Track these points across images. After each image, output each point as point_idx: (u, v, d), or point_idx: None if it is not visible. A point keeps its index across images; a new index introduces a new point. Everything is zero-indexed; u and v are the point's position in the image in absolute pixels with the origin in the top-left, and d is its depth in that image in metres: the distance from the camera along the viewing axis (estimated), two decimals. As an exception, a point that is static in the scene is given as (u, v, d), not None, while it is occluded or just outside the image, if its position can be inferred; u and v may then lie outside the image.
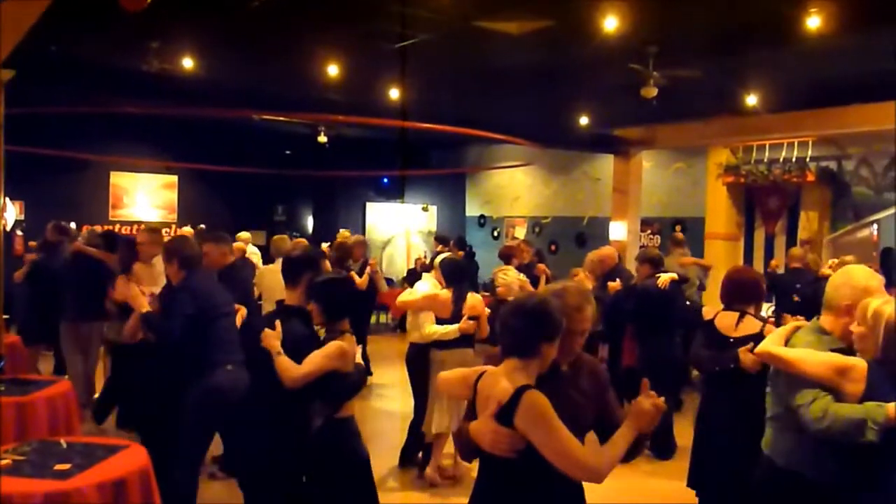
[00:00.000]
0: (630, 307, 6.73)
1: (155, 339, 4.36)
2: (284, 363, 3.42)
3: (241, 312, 4.83)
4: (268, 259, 6.93)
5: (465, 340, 5.43)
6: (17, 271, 7.97)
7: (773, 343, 2.92)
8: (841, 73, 7.78)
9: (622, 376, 6.79)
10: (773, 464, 2.92)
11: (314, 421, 3.56)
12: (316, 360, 3.46)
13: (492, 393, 2.39)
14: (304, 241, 6.72)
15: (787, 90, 8.47)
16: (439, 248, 11.54)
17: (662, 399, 2.39)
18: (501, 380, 2.38)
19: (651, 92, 7.21)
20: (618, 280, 7.10)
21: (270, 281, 6.52)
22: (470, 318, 5.42)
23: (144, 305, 4.38)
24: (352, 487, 3.63)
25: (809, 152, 10.71)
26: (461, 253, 10.87)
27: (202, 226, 10.91)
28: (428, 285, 5.71)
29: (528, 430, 2.28)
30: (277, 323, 3.41)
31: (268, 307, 6.24)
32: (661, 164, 12.98)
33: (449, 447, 5.56)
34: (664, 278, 6.48)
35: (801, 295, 7.13)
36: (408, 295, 5.68)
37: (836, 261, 7.06)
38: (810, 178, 10.73)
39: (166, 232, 13.54)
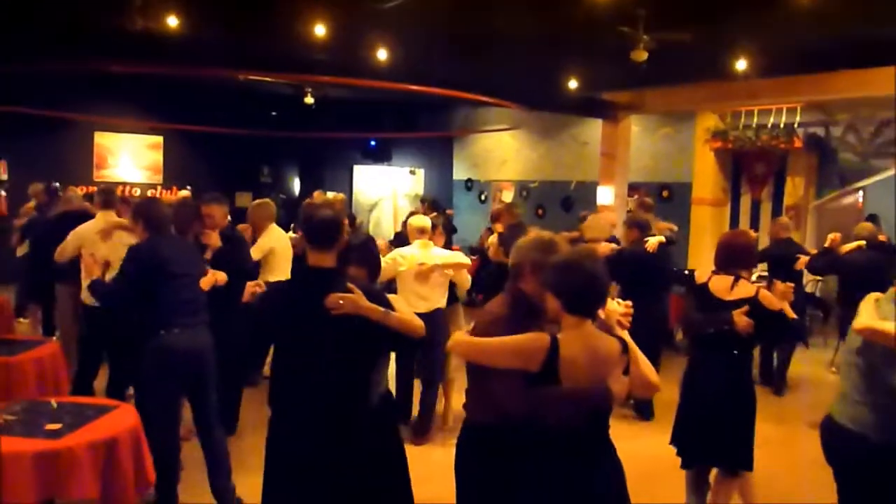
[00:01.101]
0: (620, 270, 6.85)
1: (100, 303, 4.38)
2: (397, 316, 2.97)
3: (217, 277, 4.81)
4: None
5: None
6: (15, 240, 7.97)
7: (869, 318, 2.90)
8: (829, 39, 7.76)
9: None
10: (868, 440, 2.92)
11: (378, 387, 3.29)
12: (409, 313, 3.14)
13: (595, 355, 2.55)
14: (269, 201, 6.71)
15: (776, 55, 8.43)
16: (416, 209, 11.69)
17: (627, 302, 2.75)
18: (600, 340, 2.60)
19: (641, 55, 7.15)
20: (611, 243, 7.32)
21: (285, 245, 6.60)
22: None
23: (94, 272, 4.39)
24: (402, 461, 3.48)
25: (797, 118, 10.73)
26: (434, 214, 10.92)
27: (188, 187, 10.83)
28: (439, 250, 6.00)
29: (634, 371, 2.61)
30: (353, 286, 2.92)
31: (276, 272, 6.27)
32: (648, 129, 12.97)
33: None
34: (652, 242, 6.72)
35: (816, 269, 7.17)
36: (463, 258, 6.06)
37: (837, 235, 7.11)
38: (797, 144, 10.76)
39: (152, 192, 13.47)
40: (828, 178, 10.89)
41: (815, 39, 7.84)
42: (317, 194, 9.37)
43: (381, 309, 2.94)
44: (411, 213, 11.78)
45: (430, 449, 5.70)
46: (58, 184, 9.66)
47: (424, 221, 5.99)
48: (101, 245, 5.69)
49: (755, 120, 11.16)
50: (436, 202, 11.44)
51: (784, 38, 7.90)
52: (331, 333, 2.92)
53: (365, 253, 3.52)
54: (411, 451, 3.54)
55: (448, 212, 11.80)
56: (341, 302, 2.88)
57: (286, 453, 3.00)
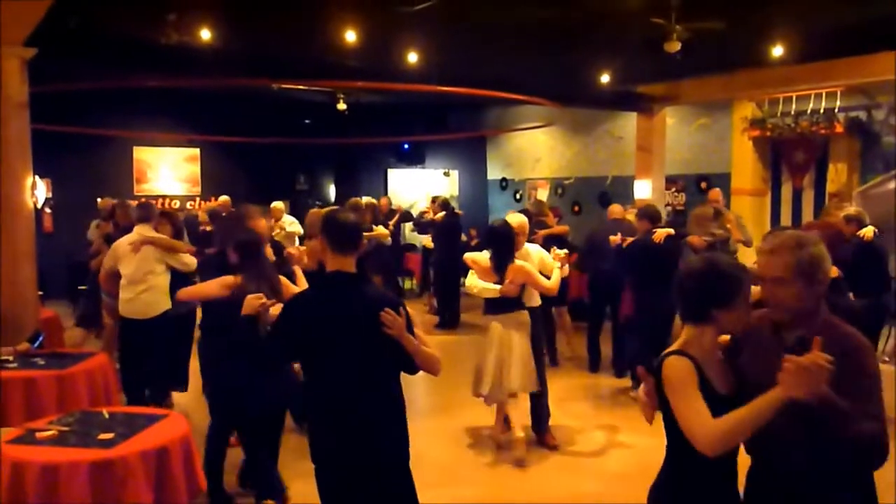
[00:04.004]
0: (629, 262, 7.15)
1: None
2: (424, 351, 3.09)
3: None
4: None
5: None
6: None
7: None
8: (869, 19, 7.57)
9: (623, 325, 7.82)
10: None
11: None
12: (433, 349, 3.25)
13: None
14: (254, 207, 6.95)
15: (814, 39, 8.25)
16: (425, 208, 11.77)
17: (826, 357, 2.01)
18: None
19: (674, 46, 7.07)
20: (619, 234, 7.32)
21: None
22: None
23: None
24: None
25: (838, 103, 10.48)
26: (442, 214, 10.96)
27: (226, 197, 10.97)
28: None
29: (669, 397, 2.26)
30: (409, 311, 3.04)
31: None
32: (684, 121, 12.79)
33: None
34: (660, 233, 6.86)
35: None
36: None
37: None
38: (839, 129, 10.51)
39: (191, 205, 13.67)
40: (872, 163, 10.60)
41: (853, 21, 7.66)
42: (352, 200, 9.45)
43: (416, 342, 3.02)
44: (422, 212, 11.87)
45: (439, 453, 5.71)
46: (99, 199, 9.86)
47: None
48: (131, 258, 5.91)
49: (794, 106, 10.94)
50: (445, 202, 11.45)
51: (820, 20, 7.73)
52: (359, 337, 2.97)
53: (379, 259, 3.54)
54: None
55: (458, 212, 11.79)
56: (391, 322, 2.94)
57: (326, 453, 3.02)
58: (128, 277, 6.03)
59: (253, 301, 3.47)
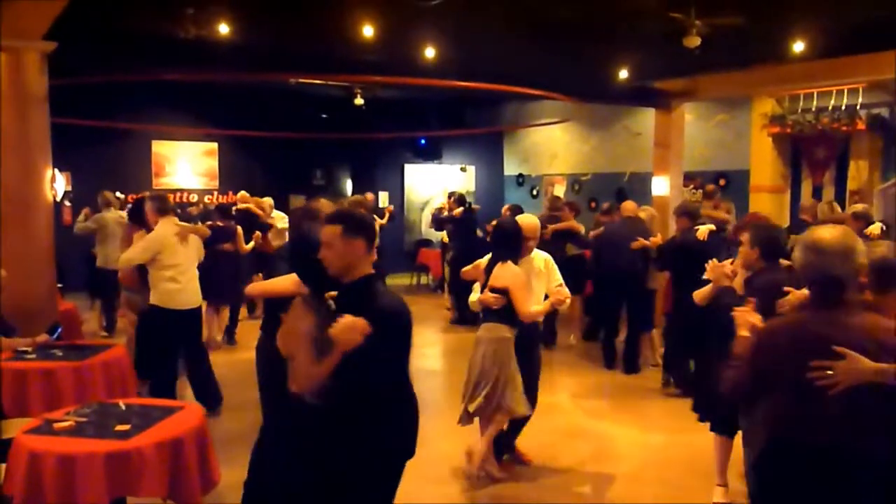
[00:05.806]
0: (671, 259, 7.03)
1: None
2: None
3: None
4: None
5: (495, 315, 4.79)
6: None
7: None
8: (890, 14, 7.47)
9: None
10: None
11: None
12: None
13: None
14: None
15: (835, 34, 8.15)
16: (442, 204, 11.77)
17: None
18: None
19: (694, 41, 7.01)
20: (658, 235, 7.30)
21: None
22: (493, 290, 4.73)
23: None
24: None
25: (860, 99, 10.36)
26: (459, 210, 10.95)
27: (244, 192, 11.00)
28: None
29: None
30: None
31: None
32: (703, 117, 12.69)
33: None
34: (703, 230, 6.77)
35: None
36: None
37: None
38: (860, 126, 10.38)
39: (209, 198, 13.74)
40: (893, 161, 10.49)
41: (876, 16, 7.55)
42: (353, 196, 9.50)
43: None
44: (440, 208, 11.87)
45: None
46: (118, 193, 9.93)
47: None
48: (178, 248, 5.88)
49: (814, 103, 10.83)
50: (462, 198, 11.44)
51: (842, 15, 7.63)
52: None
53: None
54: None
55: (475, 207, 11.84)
56: None
57: (410, 440, 3.00)
58: (177, 268, 5.91)
59: (299, 322, 2.75)
